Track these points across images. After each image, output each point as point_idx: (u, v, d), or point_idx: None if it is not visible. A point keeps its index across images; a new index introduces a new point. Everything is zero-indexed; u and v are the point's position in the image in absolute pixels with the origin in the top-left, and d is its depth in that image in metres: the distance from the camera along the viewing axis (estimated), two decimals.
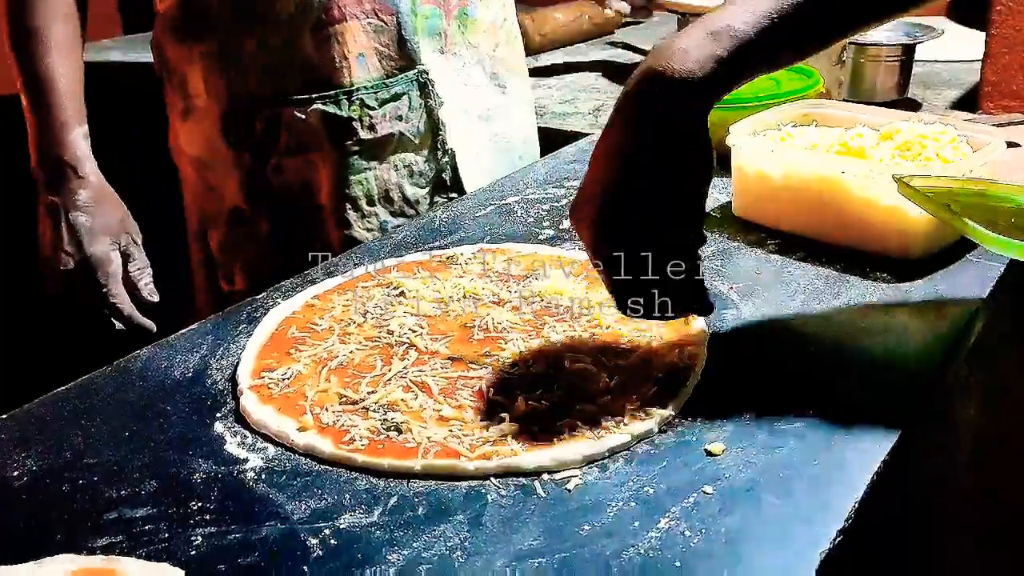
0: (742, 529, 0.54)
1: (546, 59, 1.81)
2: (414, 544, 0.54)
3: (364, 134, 1.04)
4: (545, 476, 0.60)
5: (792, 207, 0.92)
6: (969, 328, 0.77)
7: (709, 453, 0.61)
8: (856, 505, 0.56)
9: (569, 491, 0.58)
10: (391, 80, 1.04)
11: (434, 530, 0.55)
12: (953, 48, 1.63)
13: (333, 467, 0.62)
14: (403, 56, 1.04)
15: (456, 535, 0.55)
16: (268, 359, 0.74)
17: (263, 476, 0.61)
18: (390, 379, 0.70)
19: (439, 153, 1.09)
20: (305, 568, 0.53)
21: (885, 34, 1.35)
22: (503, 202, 1.05)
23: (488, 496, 0.58)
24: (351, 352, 0.74)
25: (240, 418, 0.67)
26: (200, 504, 0.58)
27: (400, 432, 0.64)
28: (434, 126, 1.08)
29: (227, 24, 1.02)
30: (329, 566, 0.53)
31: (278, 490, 0.60)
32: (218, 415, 0.68)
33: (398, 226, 1.04)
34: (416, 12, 1.04)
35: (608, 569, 0.52)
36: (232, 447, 0.64)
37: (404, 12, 1.03)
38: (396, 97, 1.05)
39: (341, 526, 0.56)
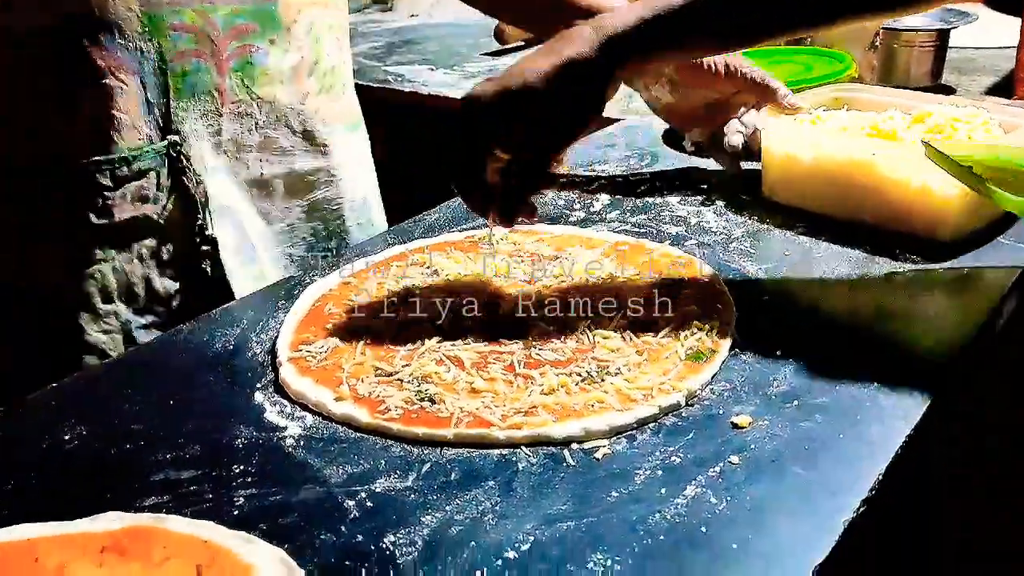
0: (767, 497, 0.55)
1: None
2: (447, 507, 0.56)
3: (96, 219, 0.85)
4: (574, 446, 0.61)
5: (822, 189, 0.92)
6: (999, 310, 0.77)
7: (735, 426, 0.62)
8: (880, 476, 0.57)
9: (597, 460, 0.60)
10: (133, 154, 0.85)
11: (466, 495, 0.57)
12: (988, 34, 1.61)
13: (369, 435, 0.64)
14: (149, 125, 0.86)
15: (487, 499, 0.57)
16: (306, 333, 0.76)
17: (301, 443, 0.63)
18: (424, 353, 0.72)
19: (196, 240, 0.90)
20: (342, 528, 0.55)
21: (920, 19, 1.34)
22: None
23: (518, 464, 0.60)
24: (386, 327, 0.76)
25: (279, 388, 0.70)
26: (242, 468, 0.61)
27: (433, 403, 0.65)
28: (189, 208, 0.89)
29: None
30: (365, 526, 0.55)
31: (316, 456, 0.62)
32: (258, 386, 0.70)
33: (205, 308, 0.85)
34: (165, 70, 0.84)
35: (635, 533, 0.53)
36: (272, 415, 0.67)
37: (147, 72, 0.84)
38: (140, 174, 0.86)
39: (376, 490, 0.58)
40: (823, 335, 0.73)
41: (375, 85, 1.64)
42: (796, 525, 0.53)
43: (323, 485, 0.59)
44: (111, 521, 0.55)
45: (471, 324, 0.76)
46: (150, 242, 0.88)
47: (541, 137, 0.73)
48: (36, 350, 0.89)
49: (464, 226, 0.96)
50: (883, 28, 1.30)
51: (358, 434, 0.64)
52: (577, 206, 1.01)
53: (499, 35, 1.80)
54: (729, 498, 0.55)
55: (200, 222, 0.90)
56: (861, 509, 0.54)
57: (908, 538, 0.71)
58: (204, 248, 0.90)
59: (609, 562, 0.51)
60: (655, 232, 0.93)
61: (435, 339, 0.73)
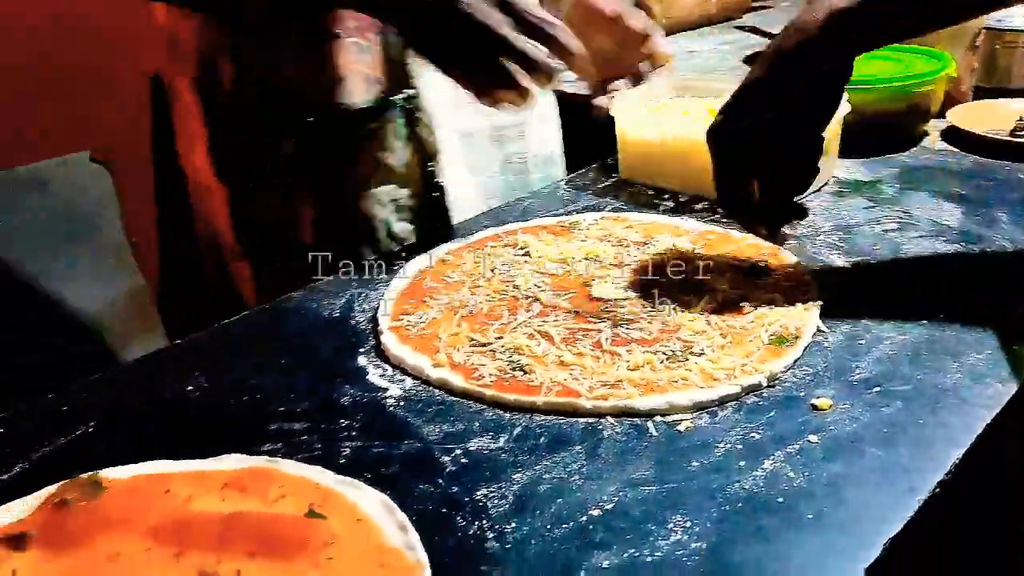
0: (844, 474, 0.58)
1: (670, 41, 1.83)
2: (536, 467, 0.60)
3: (348, 164, 0.96)
4: (657, 418, 0.64)
5: (671, 168, 1.03)
6: None
7: (815, 408, 0.64)
8: (957, 462, 0.58)
9: (680, 432, 0.63)
10: (375, 105, 0.95)
11: (554, 457, 0.61)
12: None
13: (463, 399, 0.68)
14: (391, 79, 0.95)
15: (574, 462, 0.60)
16: (405, 305, 0.81)
17: (401, 403, 0.68)
18: (516, 327, 0.76)
19: (428, 186, 1.01)
20: (439, 480, 0.59)
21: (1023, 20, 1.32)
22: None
23: (604, 432, 0.63)
24: (480, 302, 0.80)
25: (381, 354, 0.75)
26: (347, 423, 0.66)
27: (524, 372, 0.69)
28: (424, 157, 1.00)
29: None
30: (460, 480, 0.59)
31: (414, 415, 0.67)
32: (361, 351, 0.76)
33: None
34: None
35: (713, 499, 0.56)
36: (374, 378, 0.72)
37: (389, 30, 0.92)
38: (380, 124, 0.96)
39: (471, 448, 0.62)
40: (907, 327, 0.74)
41: None
42: (871, 500, 0.55)
43: (421, 441, 0.64)
44: (232, 462, 0.61)
45: (561, 303, 0.79)
46: (390, 188, 0.98)
47: (789, 149, 0.75)
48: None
49: (557, 211, 1.00)
50: (985, 28, 1.28)
51: (453, 398, 0.68)
52: (667, 196, 1.03)
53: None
54: (807, 473, 0.58)
55: (431, 169, 1.00)
56: (936, 491, 0.56)
57: (980, 525, 0.72)
58: (434, 195, 1.01)
59: (688, 523, 0.54)
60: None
61: (527, 314, 0.77)
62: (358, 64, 0.92)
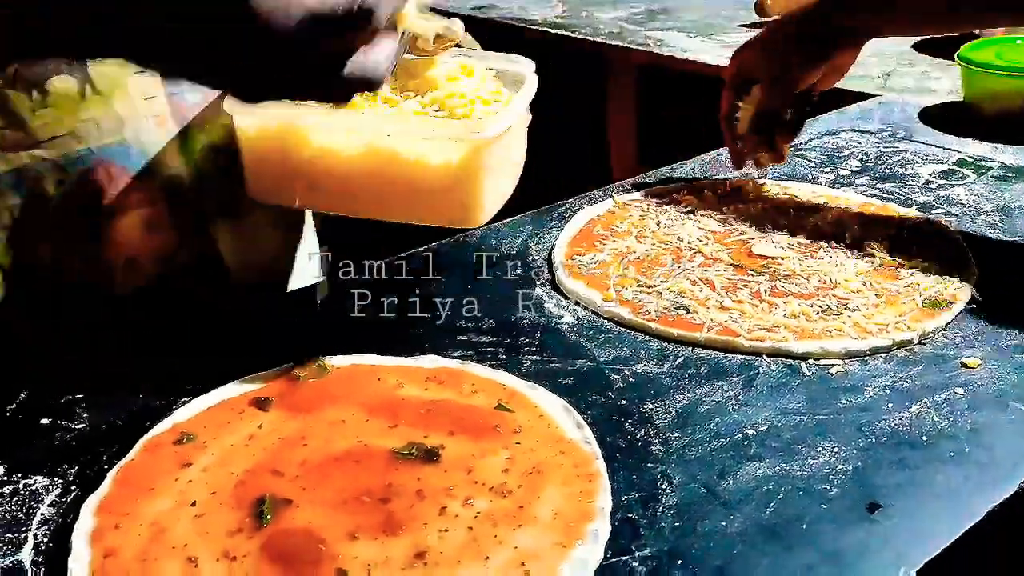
0: (987, 423, 0.62)
1: None
2: (697, 391, 0.67)
3: None
4: (810, 361, 0.70)
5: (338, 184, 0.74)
6: None
7: (964, 365, 0.69)
8: None
9: (831, 375, 0.69)
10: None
11: (713, 384, 0.68)
12: None
13: (631, 331, 0.76)
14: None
15: (731, 390, 0.67)
16: (578, 247, 0.89)
17: (575, 329, 0.77)
18: (680, 273, 0.83)
19: None
20: (610, 393, 0.67)
21: None
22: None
23: (760, 368, 0.70)
24: (646, 250, 0.88)
25: (555, 287, 0.83)
26: (527, 340, 0.75)
27: (688, 312, 0.76)
28: None
29: None
30: (628, 395, 0.67)
31: (587, 340, 0.75)
32: (537, 283, 0.84)
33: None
34: None
35: (860, 432, 0.62)
36: (550, 306, 0.80)
37: None
38: None
39: (637, 370, 0.70)
40: None
41: (634, 48, 1.75)
42: (1011, 447, 0.60)
43: (593, 361, 0.72)
44: (429, 361, 0.71)
45: (723, 255, 0.86)
46: None
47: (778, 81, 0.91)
48: None
49: (719, 176, 1.06)
50: None
51: (621, 328, 0.76)
52: (827, 169, 1.07)
53: (759, 8, 1.85)
54: (951, 419, 0.63)
55: None
56: None
57: None
58: None
59: (836, 449, 0.60)
60: (903, 198, 0.98)
61: (690, 264, 0.84)
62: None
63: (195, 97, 0.80)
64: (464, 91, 0.75)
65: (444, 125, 0.72)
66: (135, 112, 0.76)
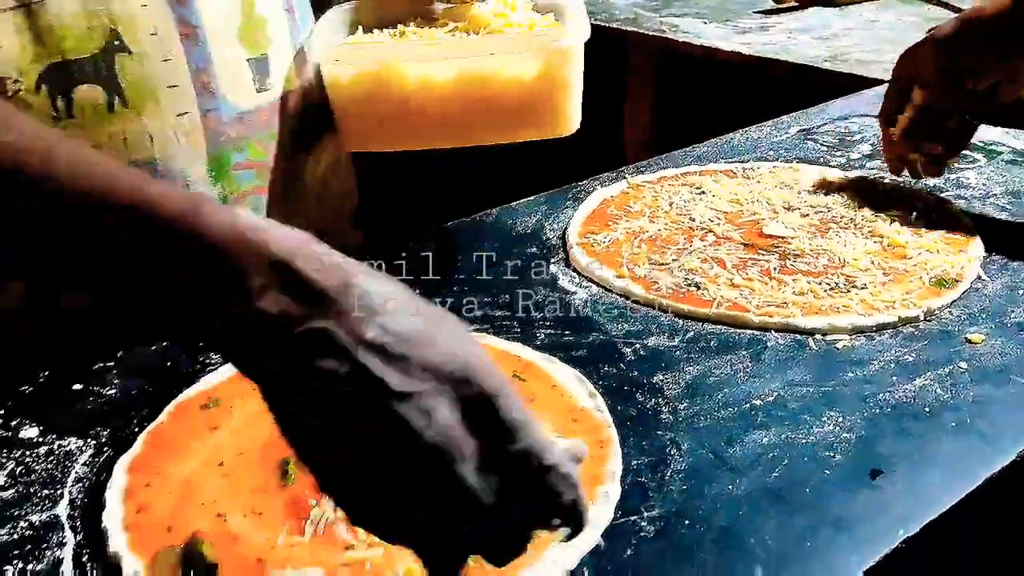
0: (989, 396, 0.64)
1: (855, 10, 1.84)
2: (706, 364, 0.69)
3: None
4: (817, 336, 0.72)
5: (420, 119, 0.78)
6: None
7: (968, 341, 0.70)
8: None
9: (837, 349, 0.70)
10: None
11: (722, 357, 0.70)
12: None
13: (643, 306, 0.78)
14: None
15: (740, 363, 0.69)
16: (592, 226, 0.91)
17: (588, 304, 0.79)
18: (691, 252, 0.85)
19: None
20: (621, 365, 0.69)
21: None
22: (799, 130, 1.15)
23: (768, 343, 0.72)
24: (659, 229, 0.89)
25: (569, 264, 0.85)
26: (542, 315, 0.77)
27: (698, 288, 0.78)
28: None
29: None
30: (640, 366, 0.69)
31: (599, 315, 0.77)
32: (552, 261, 0.86)
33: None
34: None
35: (865, 403, 0.64)
36: (564, 283, 0.82)
37: None
38: None
39: (648, 344, 0.72)
40: None
41: (650, 33, 1.76)
42: (1013, 418, 0.62)
43: (605, 335, 0.74)
44: None
45: (733, 235, 0.87)
46: None
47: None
48: None
49: (731, 159, 1.07)
50: None
51: (633, 304, 0.78)
52: (838, 153, 1.09)
53: None
54: (954, 392, 0.64)
55: None
56: None
57: None
58: None
59: (840, 418, 0.62)
60: (913, 182, 0.99)
61: (702, 243, 0.86)
62: None
63: (231, 113, 0.76)
64: (516, 22, 0.78)
65: (533, 37, 0.75)
66: (166, 129, 0.72)
